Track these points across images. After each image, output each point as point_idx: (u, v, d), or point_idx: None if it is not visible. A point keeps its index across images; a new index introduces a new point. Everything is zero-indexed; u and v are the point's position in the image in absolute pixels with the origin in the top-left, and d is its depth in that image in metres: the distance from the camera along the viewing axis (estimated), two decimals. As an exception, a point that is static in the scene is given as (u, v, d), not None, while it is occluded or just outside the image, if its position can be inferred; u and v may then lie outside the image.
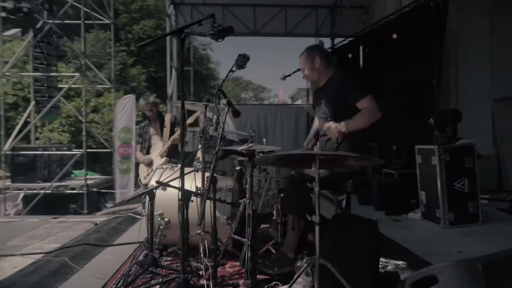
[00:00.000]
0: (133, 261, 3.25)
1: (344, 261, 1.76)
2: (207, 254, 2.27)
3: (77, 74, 9.08)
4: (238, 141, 2.72)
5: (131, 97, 10.04)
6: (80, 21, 8.69)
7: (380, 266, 2.17)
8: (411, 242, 4.27)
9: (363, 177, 2.51)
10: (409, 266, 2.35)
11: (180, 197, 1.82)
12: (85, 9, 8.78)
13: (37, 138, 13.73)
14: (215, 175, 2.02)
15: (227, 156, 2.54)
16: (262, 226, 3.11)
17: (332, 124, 2.51)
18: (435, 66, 5.75)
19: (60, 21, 8.92)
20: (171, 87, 10.67)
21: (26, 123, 9.34)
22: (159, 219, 2.65)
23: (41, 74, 8.42)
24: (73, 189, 8.87)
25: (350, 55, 8.39)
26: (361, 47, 8.25)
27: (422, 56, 6.13)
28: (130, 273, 2.90)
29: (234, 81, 41.53)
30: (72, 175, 10.44)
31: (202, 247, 2.32)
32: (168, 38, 10.69)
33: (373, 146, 7.40)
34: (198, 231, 2.40)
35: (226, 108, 2.11)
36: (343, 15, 10.22)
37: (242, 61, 2.52)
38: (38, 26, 8.62)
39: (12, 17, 7.91)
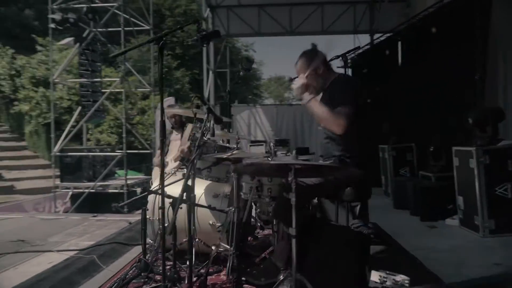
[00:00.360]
0: (134, 264, 3.27)
1: (325, 278, 1.66)
2: (194, 261, 2.26)
3: (117, 79, 9.53)
4: (235, 147, 2.68)
5: (170, 99, 10.39)
6: (120, 29, 9.12)
7: (377, 281, 2.03)
8: (444, 251, 4.00)
9: (365, 184, 2.36)
10: (413, 283, 2.17)
11: (160, 204, 1.83)
12: (125, 15, 9.20)
13: (88, 140, 14.63)
14: (211, 181, 2.00)
15: (220, 162, 2.51)
16: (263, 232, 3.01)
17: (297, 85, 2.42)
18: (478, 62, 5.32)
19: (103, 29, 9.40)
20: (208, 89, 10.88)
21: (75, 126, 10.00)
22: (159, 224, 2.67)
23: (86, 79, 8.96)
24: (115, 188, 9.35)
25: (387, 52, 8.01)
26: (399, 43, 7.85)
27: (464, 50, 5.69)
28: (127, 276, 2.91)
29: (277, 80, 41.44)
30: (116, 175, 10.99)
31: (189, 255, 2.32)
32: (204, 41, 10.91)
33: (411, 147, 7.03)
34: (185, 239, 2.41)
35: (207, 116, 2.09)
36: (383, 10, 9.80)
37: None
38: (84, 34, 9.17)
39: (60, 28, 8.48)
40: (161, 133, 1.86)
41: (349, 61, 10.86)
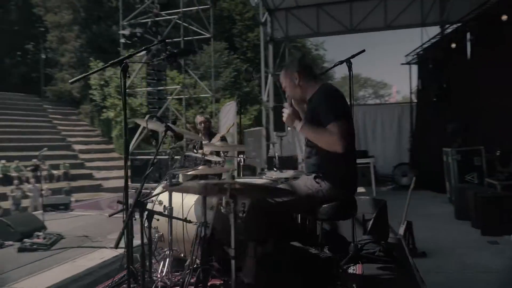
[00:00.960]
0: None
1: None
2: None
3: (178, 86, 10.12)
4: (218, 161, 2.67)
5: (232, 103, 10.72)
6: (180, 39, 9.68)
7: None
8: (497, 273, 3.53)
9: (345, 202, 2.15)
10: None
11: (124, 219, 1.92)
12: (185, 24, 9.72)
13: (163, 142, 15.77)
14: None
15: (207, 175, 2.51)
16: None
17: (288, 112, 2.30)
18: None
19: (169, 40, 10.06)
20: (267, 92, 10.97)
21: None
22: (155, 233, 2.77)
23: (152, 88, 9.69)
24: (177, 189, 9.88)
25: (453, 45, 7.26)
26: (468, 34, 7.07)
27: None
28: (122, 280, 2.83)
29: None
30: (182, 176, 11.63)
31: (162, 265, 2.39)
32: (262, 44, 11.04)
33: (479, 150, 6.26)
34: (165, 249, 2.49)
35: (164, 133, 2.12)
36: (454, -2, 8.87)
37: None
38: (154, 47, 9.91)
39: (129, 41, 9.29)
40: (125, 150, 1.95)
41: (415, 56, 10.12)
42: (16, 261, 5.04)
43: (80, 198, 12.80)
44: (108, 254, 4.55)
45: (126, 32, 9.25)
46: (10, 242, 5.70)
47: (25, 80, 26.32)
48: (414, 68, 10.27)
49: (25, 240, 5.52)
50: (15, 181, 13.98)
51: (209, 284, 2.11)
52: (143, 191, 1.94)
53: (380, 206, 2.99)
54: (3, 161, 15.04)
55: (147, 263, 2.30)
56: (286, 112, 2.30)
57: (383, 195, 8.46)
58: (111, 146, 21.81)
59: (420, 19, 10.04)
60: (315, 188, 2.17)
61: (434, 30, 9.89)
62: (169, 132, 2.20)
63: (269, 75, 10.99)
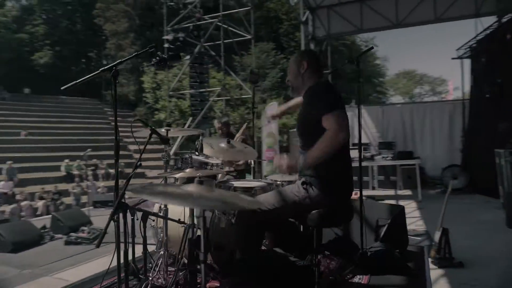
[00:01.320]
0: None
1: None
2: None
3: (218, 88, 10.32)
4: (216, 164, 2.64)
5: (274, 105, 10.73)
6: (220, 42, 9.87)
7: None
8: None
9: (334, 207, 2.01)
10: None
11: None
12: (224, 26, 9.89)
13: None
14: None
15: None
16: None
17: (281, 162, 2.06)
18: None
19: (211, 43, 10.32)
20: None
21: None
22: (161, 234, 2.82)
23: (194, 90, 10.00)
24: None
25: (509, 37, 6.64)
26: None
27: None
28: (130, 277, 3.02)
29: (405, 75, 38.14)
30: (224, 176, 11.85)
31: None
32: (303, 43, 10.90)
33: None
34: (161, 250, 2.52)
35: (149, 137, 2.14)
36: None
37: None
38: (196, 50, 10.25)
39: (172, 46, 9.67)
40: (115, 153, 2.02)
41: (467, 49, 9.39)
42: (62, 253, 5.49)
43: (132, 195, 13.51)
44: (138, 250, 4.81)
45: (170, 37, 9.64)
46: (60, 235, 6.23)
47: (88, 85, 28.46)
48: (467, 62, 9.55)
49: (71, 234, 5.99)
50: (76, 179, 15.17)
51: (208, 285, 2.14)
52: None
53: (397, 212, 2.80)
54: (66, 160, 16.38)
55: (143, 263, 2.38)
56: (283, 163, 2.06)
57: (430, 198, 7.97)
58: (162, 147, 22.85)
59: (474, 9, 9.30)
60: (302, 195, 2.08)
61: (490, 21, 9.10)
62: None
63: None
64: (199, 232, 2.01)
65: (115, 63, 1.93)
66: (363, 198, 2.63)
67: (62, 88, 1.83)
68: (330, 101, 2.08)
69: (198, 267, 1.75)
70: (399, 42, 59.98)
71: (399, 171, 9.28)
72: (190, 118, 10.58)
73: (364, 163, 8.49)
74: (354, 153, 8.71)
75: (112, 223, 1.88)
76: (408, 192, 9.04)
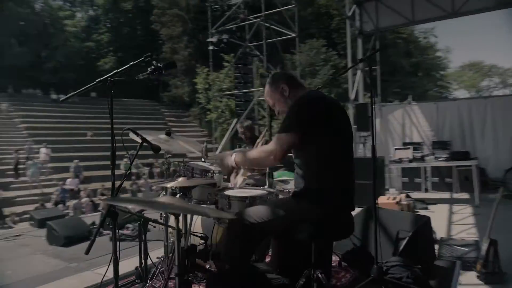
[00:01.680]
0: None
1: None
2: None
3: (260, 88, 10.28)
4: (214, 170, 2.56)
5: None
6: (262, 42, 9.84)
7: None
8: None
9: (326, 219, 1.84)
10: None
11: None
12: (267, 24, 9.83)
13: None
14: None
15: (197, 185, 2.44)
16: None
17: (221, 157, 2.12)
18: None
19: (254, 44, 10.35)
20: (355, 88, 10.36)
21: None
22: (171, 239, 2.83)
23: (239, 91, 10.10)
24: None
25: None
26: None
27: None
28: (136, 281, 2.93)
29: (471, 67, 35.17)
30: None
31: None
32: (349, 39, 10.50)
33: None
34: (159, 256, 2.52)
35: (139, 146, 2.11)
36: None
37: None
38: (240, 51, 10.35)
39: (216, 48, 9.85)
40: (111, 160, 2.06)
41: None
42: (106, 248, 5.83)
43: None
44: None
45: (214, 39, 9.82)
46: (107, 231, 6.64)
47: (147, 87, 30.14)
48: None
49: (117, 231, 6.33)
50: (133, 177, 16.11)
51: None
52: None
53: (421, 223, 2.54)
54: (125, 159, 17.48)
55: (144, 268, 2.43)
56: (222, 158, 2.16)
57: (490, 203, 7.23)
58: (215, 146, 23.51)
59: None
60: (292, 207, 1.98)
61: None
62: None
63: (358, 71, 10.38)
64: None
65: (110, 74, 1.98)
66: (403, 202, 2.45)
67: (60, 100, 1.93)
68: (291, 122, 1.96)
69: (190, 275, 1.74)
70: (462, 31, 55.20)
71: (455, 172, 8.57)
72: (236, 119, 10.72)
73: (414, 164, 7.98)
74: (405, 153, 8.16)
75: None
76: (465, 195, 8.31)
